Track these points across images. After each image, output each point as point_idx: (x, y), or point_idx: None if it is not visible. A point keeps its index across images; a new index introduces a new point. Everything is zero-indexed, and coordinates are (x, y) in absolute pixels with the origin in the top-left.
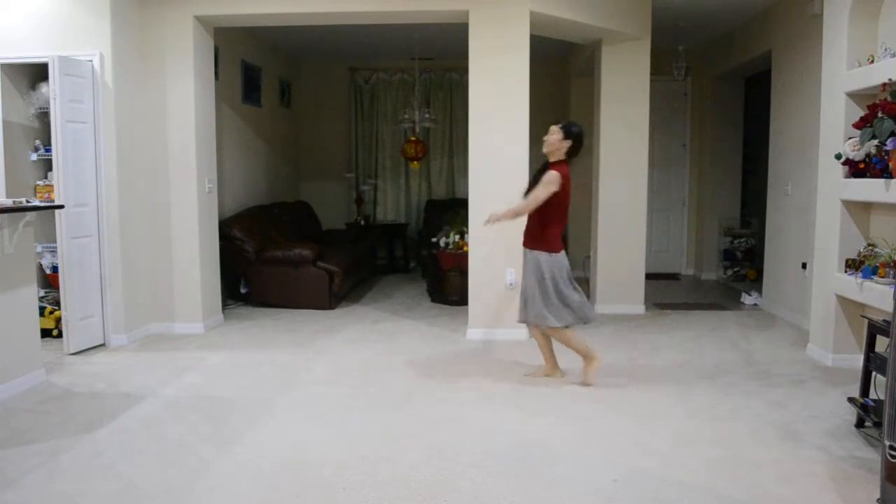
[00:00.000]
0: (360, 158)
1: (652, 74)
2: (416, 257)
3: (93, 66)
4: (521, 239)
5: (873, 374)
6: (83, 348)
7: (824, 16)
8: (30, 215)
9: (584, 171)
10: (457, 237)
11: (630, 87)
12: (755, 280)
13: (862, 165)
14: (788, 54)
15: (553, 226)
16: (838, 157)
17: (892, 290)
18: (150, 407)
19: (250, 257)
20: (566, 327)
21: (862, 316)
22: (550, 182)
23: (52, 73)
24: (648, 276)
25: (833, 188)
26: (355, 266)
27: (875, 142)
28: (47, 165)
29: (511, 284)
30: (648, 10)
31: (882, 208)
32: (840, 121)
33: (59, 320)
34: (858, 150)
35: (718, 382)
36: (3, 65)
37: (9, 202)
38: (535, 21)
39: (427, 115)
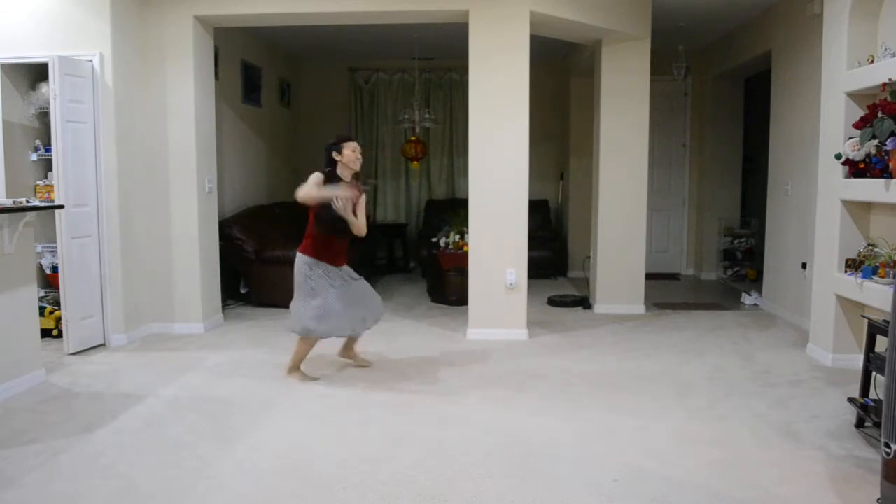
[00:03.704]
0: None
1: (652, 74)
2: (416, 257)
3: (93, 66)
4: (520, 240)
5: (873, 374)
6: (83, 348)
7: (824, 16)
8: (30, 215)
9: (585, 171)
10: (457, 237)
11: (630, 86)
12: (755, 280)
13: (862, 165)
14: (788, 54)
15: None
16: (838, 157)
17: (892, 290)
18: (150, 407)
19: (250, 257)
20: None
21: (862, 316)
22: None
23: (52, 72)
24: (648, 276)
25: (833, 188)
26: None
27: (875, 142)
28: (47, 165)
29: (511, 284)
30: (648, 10)
31: (882, 208)
32: (840, 121)
33: (59, 320)
34: (858, 150)
35: (718, 382)
36: (3, 65)
37: (9, 202)
38: (535, 21)
39: (427, 115)
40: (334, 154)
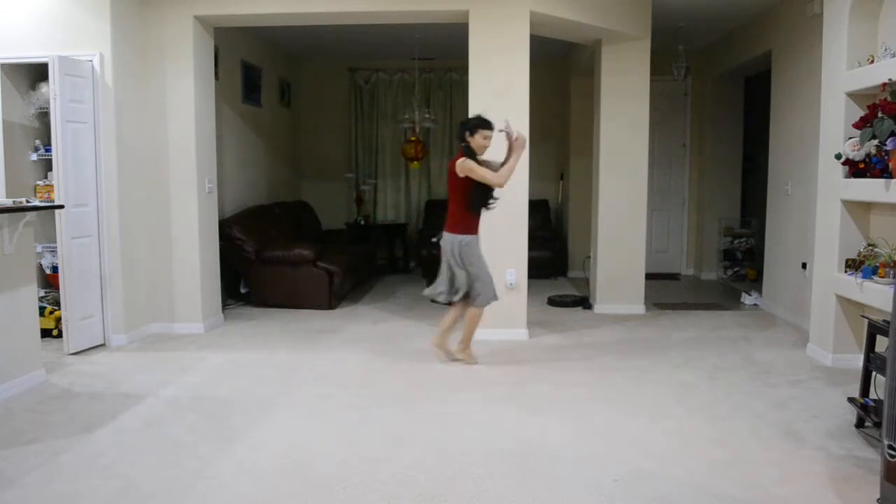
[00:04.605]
0: (360, 158)
1: (652, 74)
2: (416, 257)
3: (93, 66)
4: (520, 240)
5: (873, 374)
6: (83, 348)
7: (824, 16)
8: (30, 215)
9: (585, 171)
10: None
11: (630, 86)
12: (755, 280)
13: (862, 165)
14: (788, 54)
15: None
16: (838, 157)
17: (892, 290)
18: (150, 407)
19: (250, 257)
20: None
21: (862, 316)
22: None
23: (52, 72)
24: (648, 276)
25: (833, 188)
26: (355, 266)
27: (875, 142)
28: (47, 165)
29: (511, 284)
30: (648, 10)
31: (882, 208)
32: (840, 121)
33: (59, 320)
34: (858, 150)
35: (718, 382)
36: (3, 65)
37: (9, 202)
38: (535, 21)
39: (427, 115)
40: (466, 135)
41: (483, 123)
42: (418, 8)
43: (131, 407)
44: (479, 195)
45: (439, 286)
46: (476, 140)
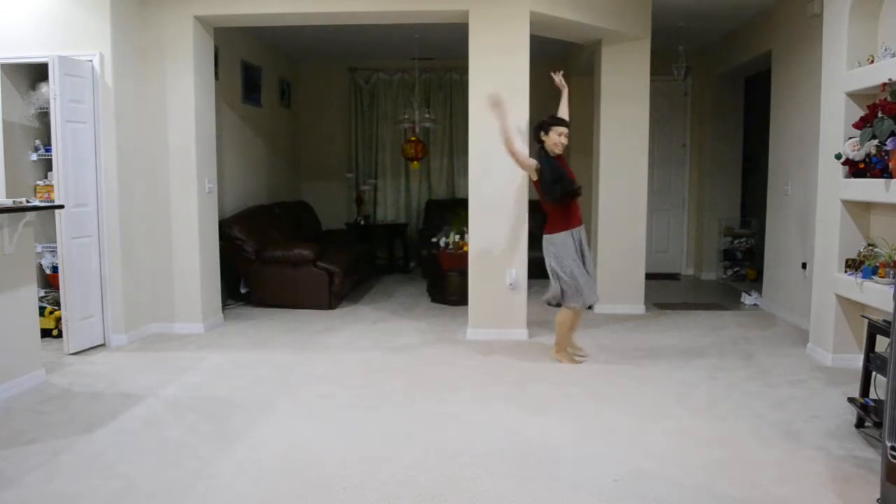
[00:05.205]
0: (360, 158)
1: (652, 74)
2: (416, 257)
3: (93, 66)
4: (520, 240)
5: (873, 374)
6: (83, 348)
7: (824, 16)
8: (30, 215)
9: (585, 171)
10: (457, 237)
11: (630, 87)
12: (755, 280)
13: (862, 165)
14: (788, 54)
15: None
16: (838, 157)
17: (892, 290)
18: (150, 407)
19: (250, 257)
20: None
21: (862, 316)
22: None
23: (52, 72)
24: (648, 276)
25: (833, 188)
26: (355, 266)
27: (875, 142)
28: (47, 165)
29: (511, 284)
30: (648, 10)
31: (882, 208)
32: (840, 121)
33: (59, 320)
34: (858, 150)
35: (718, 382)
36: (3, 65)
37: (9, 202)
38: (535, 21)
39: (427, 115)
40: (541, 134)
41: (556, 121)
42: (418, 8)
43: (131, 407)
44: (551, 187)
45: (550, 289)
46: (551, 137)
